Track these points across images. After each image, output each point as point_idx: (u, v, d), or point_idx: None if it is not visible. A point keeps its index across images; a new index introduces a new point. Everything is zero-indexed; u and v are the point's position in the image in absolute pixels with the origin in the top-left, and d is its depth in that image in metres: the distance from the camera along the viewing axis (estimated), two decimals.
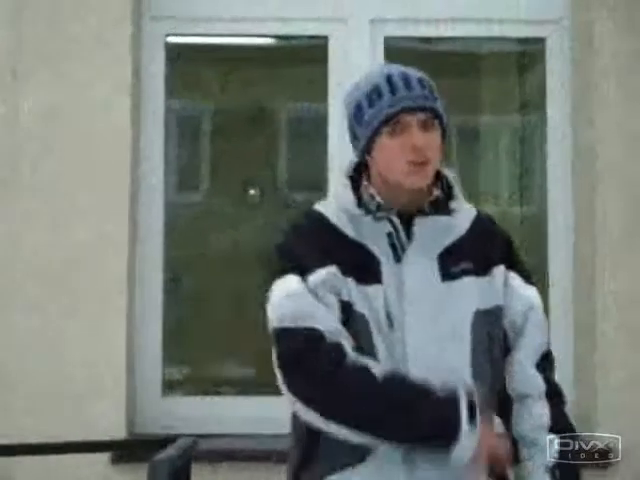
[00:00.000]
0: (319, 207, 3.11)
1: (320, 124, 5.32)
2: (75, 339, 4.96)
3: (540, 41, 5.46)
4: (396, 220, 2.95)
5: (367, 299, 2.93)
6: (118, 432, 4.90)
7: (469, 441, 2.77)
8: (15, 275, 5.02)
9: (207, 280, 5.45)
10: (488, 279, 3.03)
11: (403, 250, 2.96)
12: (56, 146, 4.98)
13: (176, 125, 5.65)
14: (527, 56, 5.69)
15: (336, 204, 3.09)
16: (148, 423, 5.15)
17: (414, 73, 2.98)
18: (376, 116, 2.96)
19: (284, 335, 2.92)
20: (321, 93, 5.34)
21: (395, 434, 2.83)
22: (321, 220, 3.06)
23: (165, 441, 3.95)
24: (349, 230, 2.99)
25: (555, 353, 3.38)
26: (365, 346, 2.89)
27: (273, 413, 4.41)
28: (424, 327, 2.92)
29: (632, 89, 5.06)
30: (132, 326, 5.09)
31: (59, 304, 4.94)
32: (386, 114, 2.92)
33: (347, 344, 2.85)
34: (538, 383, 3.03)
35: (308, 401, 2.88)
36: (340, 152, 5.19)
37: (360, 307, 2.93)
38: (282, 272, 3.00)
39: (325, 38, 5.39)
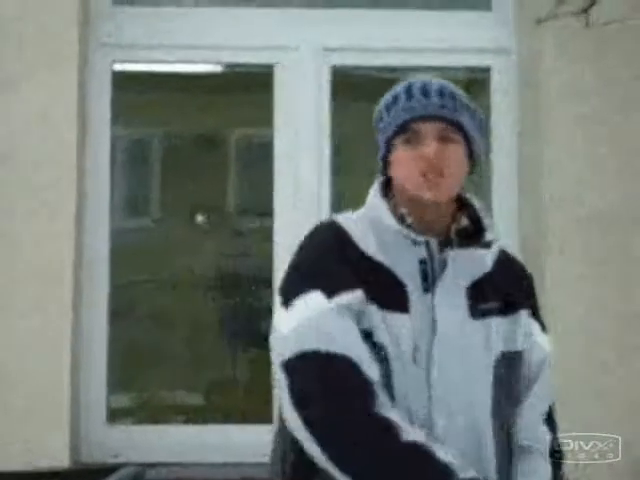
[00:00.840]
0: (339, 219, 2.81)
1: (267, 150, 5.30)
2: (18, 364, 4.91)
3: (485, 70, 5.48)
4: (434, 246, 2.72)
5: (390, 328, 2.69)
6: (61, 461, 4.82)
7: None
8: None
9: (155, 306, 5.41)
10: (513, 321, 2.84)
11: (434, 280, 2.73)
12: (1, 172, 4.93)
13: (124, 152, 5.61)
14: (474, 84, 5.70)
15: (367, 218, 2.81)
16: (93, 451, 5.07)
17: (437, 82, 2.77)
18: (390, 123, 2.79)
19: (307, 361, 2.60)
20: (267, 120, 5.32)
21: None
22: (343, 235, 2.77)
23: (110, 470, 3.93)
24: (373, 249, 2.74)
25: None
26: (381, 380, 2.64)
27: (222, 441, 4.39)
28: (452, 367, 2.71)
29: (576, 115, 5.07)
30: (77, 352, 5.04)
31: (1, 330, 4.88)
32: (400, 121, 2.74)
33: (378, 386, 2.60)
34: (546, 440, 2.90)
35: (325, 445, 2.56)
36: (286, 178, 5.25)
37: (380, 337, 2.68)
38: (302, 289, 2.69)
39: (271, 66, 5.37)
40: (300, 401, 2.54)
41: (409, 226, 2.71)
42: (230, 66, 5.68)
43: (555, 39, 5.16)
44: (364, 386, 2.53)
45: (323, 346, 2.54)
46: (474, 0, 5.61)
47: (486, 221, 2.79)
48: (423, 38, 5.46)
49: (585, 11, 4.96)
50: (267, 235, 5.26)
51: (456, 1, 5.62)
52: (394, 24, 5.49)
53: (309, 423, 2.53)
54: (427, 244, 2.69)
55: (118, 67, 5.39)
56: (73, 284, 4.99)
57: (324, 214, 5.15)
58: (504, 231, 5.32)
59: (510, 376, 2.77)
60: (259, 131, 5.50)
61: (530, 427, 2.84)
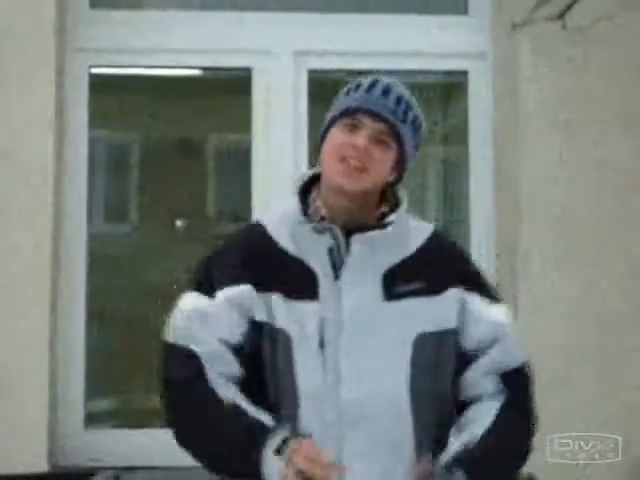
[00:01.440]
0: (263, 219, 3.04)
1: (245, 154, 5.32)
2: (22, 355, 4.88)
3: (463, 74, 5.49)
4: (339, 233, 2.84)
5: (296, 315, 2.83)
6: (40, 465, 4.81)
7: (272, 467, 2.65)
8: None
9: (133, 311, 5.40)
10: (442, 300, 2.90)
11: (341, 265, 2.85)
12: None
13: (102, 156, 5.60)
14: (451, 88, 5.75)
15: (280, 213, 3.02)
16: (71, 455, 5.04)
17: (399, 90, 2.93)
18: (342, 104, 2.91)
19: (168, 351, 2.90)
20: (245, 124, 5.34)
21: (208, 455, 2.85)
22: (258, 234, 2.98)
23: (87, 474, 3.93)
24: (288, 244, 2.90)
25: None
26: (282, 362, 2.81)
27: None
28: (360, 349, 2.82)
29: (552, 120, 5.10)
30: (55, 357, 5.03)
31: None
32: (352, 105, 2.86)
33: (213, 367, 2.80)
34: (485, 386, 2.92)
35: (165, 408, 2.89)
36: (264, 182, 5.25)
37: (282, 323, 2.82)
38: (191, 286, 2.96)
39: (249, 70, 5.37)
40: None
41: (322, 217, 2.87)
42: (208, 70, 5.68)
43: (531, 43, 5.17)
44: (201, 372, 2.80)
45: (179, 341, 2.84)
46: (451, 4, 5.60)
47: (399, 212, 2.88)
48: (401, 41, 5.47)
49: (561, 16, 5.05)
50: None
51: (433, 5, 5.60)
52: (372, 27, 5.50)
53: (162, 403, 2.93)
54: (331, 231, 2.82)
55: (95, 71, 5.34)
56: (50, 290, 4.98)
57: None
58: (481, 228, 5.48)
59: (441, 353, 2.84)
60: (237, 136, 5.53)
61: (480, 382, 2.88)
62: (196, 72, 5.75)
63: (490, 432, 2.81)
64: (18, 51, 5.04)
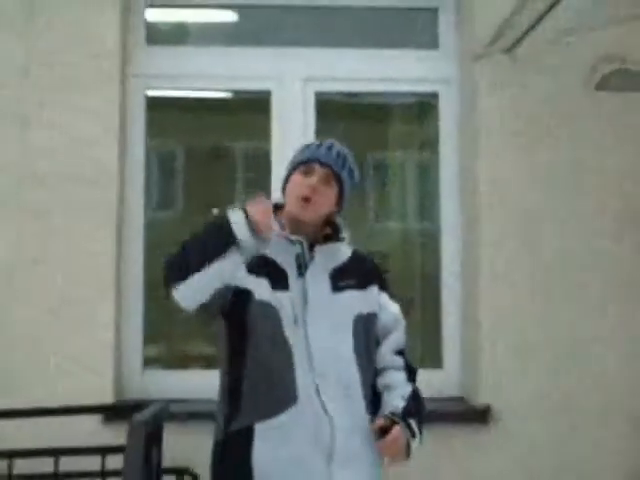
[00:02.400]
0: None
1: (265, 158, 5.42)
2: (75, 327, 4.95)
3: (434, 95, 5.57)
4: (303, 246, 3.39)
5: (277, 300, 3.30)
6: (108, 398, 4.93)
7: (236, 216, 3.11)
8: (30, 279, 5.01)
9: None
10: (366, 293, 3.48)
11: (306, 268, 3.38)
12: (59, 175, 5.02)
13: (154, 160, 5.68)
14: (425, 107, 5.78)
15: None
16: (131, 390, 5.19)
17: (340, 148, 3.50)
18: (301, 156, 3.47)
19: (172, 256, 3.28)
20: (265, 134, 5.43)
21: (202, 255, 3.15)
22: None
23: (144, 405, 4.11)
24: (272, 254, 3.35)
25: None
26: (273, 327, 3.27)
27: None
28: (320, 326, 3.32)
29: (506, 135, 5.16)
30: (119, 313, 5.13)
31: (63, 297, 4.95)
32: (307, 157, 3.43)
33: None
34: (399, 363, 3.51)
35: (174, 279, 3.21)
36: (279, 180, 5.19)
37: (268, 298, 3.29)
38: None
39: (268, 92, 5.47)
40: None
41: (285, 234, 3.40)
42: (236, 92, 5.72)
43: (488, 71, 5.16)
44: None
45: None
46: (425, 41, 5.60)
47: (343, 232, 3.52)
48: (387, 69, 5.52)
49: (511, 49, 5.04)
50: None
51: (412, 41, 5.61)
52: (364, 59, 5.53)
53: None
54: (301, 244, 3.39)
55: (150, 93, 5.44)
56: (116, 260, 5.10)
57: None
58: (449, 220, 5.49)
59: (369, 328, 3.46)
60: (259, 144, 5.53)
61: (387, 357, 3.51)
62: (227, 94, 5.77)
63: (413, 396, 3.42)
64: (90, 78, 5.07)
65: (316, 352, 3.29)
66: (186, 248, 3.23)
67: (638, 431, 5.10)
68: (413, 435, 3.31)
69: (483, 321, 5.14)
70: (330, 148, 3.46)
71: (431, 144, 5.68)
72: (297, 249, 3.40)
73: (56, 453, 4.53)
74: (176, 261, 3.25)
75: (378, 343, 3.52)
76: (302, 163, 3.43)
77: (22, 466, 4.57)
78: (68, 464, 4.56)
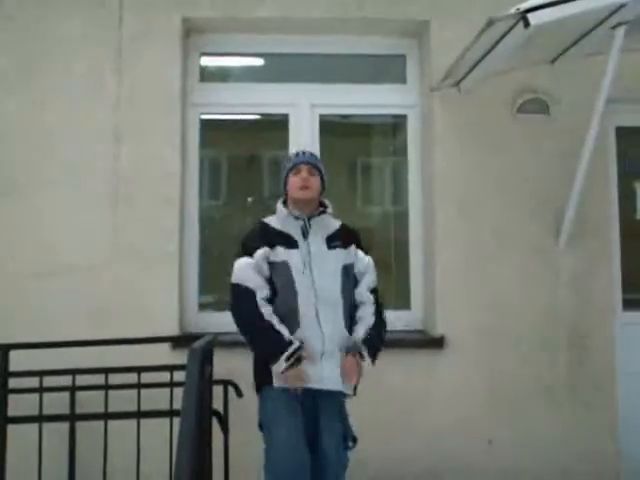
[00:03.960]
0: (265, 219, 3.93)
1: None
2: (153, 281, 5.05)
3: (404, 117, 5.58)
4: (306, 218, 3.87)
5: (291, 256, 3.75)
6: (175, 331, 5.03)
7: (279, 368, 3.59)
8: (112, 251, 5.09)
9: (223, 247, 5.43)
10: (348, 251, 3.91)
11: (308, 234, 3.84)
12: (141, 176, 5.08)
13: (206, 165, 5.66)
14: (398, 125, 5.75)
15: (276, 215, 3.91)
16: (192, 326, 5.26)
17: (310, 151, 4.07)
18: (290, 164, 3.96)
19: (235, 287, 3.73)
20: (284, 145, 5.45)
21: (251, 343, 3.73)
22: (264, 225, 3.88)
23: (199, 336, 4.10)
24: (279, 226, 3.85)
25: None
26: (287, 279, 3.72)
27: None
28: (320, 270, 3.76)
29: (453, 144, 5.20)
30: (182, 272, 5.20)
31: (145, 261, 5.06)
32: (294, 164, 3.94)
33: (262, 292, 3.68)
34: (370, 299, 3.92)
35: (234, 316, 3.75)
36: None
37: (285, 258, 3.74)
38: (241, 254, 3.78)
39: (286, 115, 5.50)
40: (231, 302, 3.76)
41: (292, 213, 3.86)
42: (263, 115, 5.67)
43: (441, 100, 5.21)
44: (253, 298, 3.66)
45: (240, 282, 3.71)
46: (397, 78, 5.59)
47: (328, 208, 3.97)
48: (370, 98, 5.53)
49: (457, 84, 5.10)
50: None
51: (387, 78, 5.61)
52: (354, 90, 5.54)
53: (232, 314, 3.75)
54: (303, 219, 3.86)
55: (203, 117, 5.47)
56: (179, 235, 5.16)
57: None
58: (415, 210, 5.52)
59: (349, 274, 3.88)
60: (280, 152, 5.45)
61: (362, 293, 3.91)
62: (257, 117, 5.71)
63: (375, 327, 3.83)
64: (160, 107, 5.15)
65: (318, 288, 3.71)
66: (248, 323, 3.72)
67: (546, 350, 5.18)
68: (363, 358, 3.73)
69: (438, 276, 5.19)
70: (304, 153, 3.99)
71: (402, 151, 5.66)
72: (300, 222, 3.86)
73: (139, 370, 4.65)
74: (237, 313, 3.76)
75: (357, 283, 3.91)
76: (292, 168, 3.93)
77: (114, 379, 4.68)
78: (147, 378, 4.67)
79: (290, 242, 3.80)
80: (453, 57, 4.76)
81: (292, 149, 5.31)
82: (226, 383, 4.77)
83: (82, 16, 5.19)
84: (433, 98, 5.27)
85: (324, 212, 3.94)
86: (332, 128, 5.67)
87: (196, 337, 4.13)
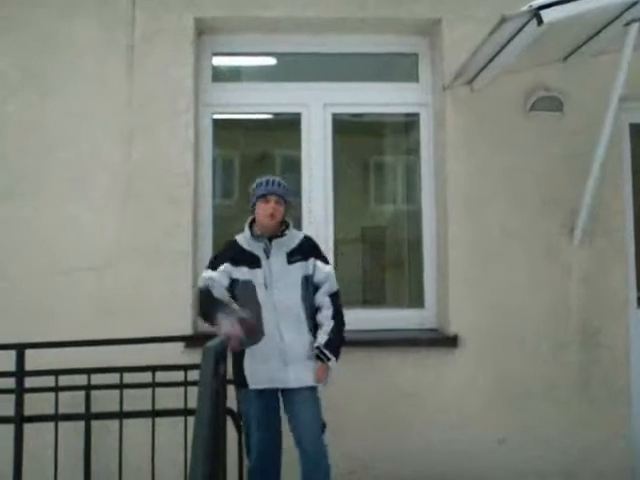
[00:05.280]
0: (236, 236, 4.36)
1: (297, 162, 5.47)
2: (165, 278, 5.05)
3: (416, 115, 5.57)
4: (267, 241, 4.27)
5: (254, 275, 4.22)
6: (188, 331, 5.03)
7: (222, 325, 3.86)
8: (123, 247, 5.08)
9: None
10: (307, 263, 4.29)
11: (270, 254, 4.25)
12: (156, 175, 5.08)
13: (219, 163, 5.69)
14: (410, 123, 5.73)
15: (243, 234, 4.34)
16: (205, 326, 4.74)
17: (277, 179, 4.35)
18: (258, 192, 4.32)
19: (200, 291, 4.25)
20: (297, 144, 5.48)
21: (206, 318, 4.16)
22: (233, 242, 4.36)
23: (213, 336, 4.16)
24: (245, 245, 4.30)
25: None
26: (250, 294, 4.16)
27: None
28: (281, 286, 4.19)
29: (466, 143, 5.18)
30: (196, 270, 5.10)
31: (160, 255, 5.06)
32: (262, 193, 4.31)
33: (216, 289, 4.20)
34: (328, 302, 4.30)
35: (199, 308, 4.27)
36: (308, 177, 5.44)
37: (249, 277, 4.20)
38: (208, 267, 4.36)
39: (299, 114, 5.50)
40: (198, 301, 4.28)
41: (257, 235, 4.27)
42: (276, 115, 5.70)
43: (453, 98, 5.21)
44: (208, 290, 4.22)
45: (203, 285, 4.25)
46: (409, 76, 5.57)
47: (289, 228, 4.34)
48: (382, 97, 5.52)
49: (470, 82, 5.11)
50: (297, 207, 5.33)
51: (400, 77, 5.58)
52: (367, 89, 5.52)
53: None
54: (265, 240, 4.26)
55: (215, 116, 5.47)
56: (193, 232, 5.16)
57: (329, 188, 5.44)
58: (427, 206, 5.48)
59: (309, 285, 4.26)
60: (292, 152, 5.54)
61: (321, 298, 4.30)
62: (269, 116, 5.75)
63: (333, 328, 4.24)
64: (173, 107, 5.14)
65: (277, 302, 4.17)
66: (201, 305, 4.26)
67: (559, 349, 5.16)
68: (329, 359, 4.18)
69: (451, 274, 5.18)
70: (274, 183, 4.32)
71: (414, 150, 5.65)
72: (263, 244, 4.27)
73: (153, 369, 4.67)
74: (199, 304, 4.29)
75: (317, 290, 4.29)
76: (262, 196, 4.29)
77: (129, 378, 4.69)
78: (161, 377, 4.70)
79: (255, 261, 4.25)
80: (465, 55, 4.74)
81: (305, 158, 5.44)
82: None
83: (94, 16, 5.21)
84: (445, 96, 5.26)
85: (284, 233, 4.32)
86: (344, 127, 5.67)
87: (209, 336, 4.09)
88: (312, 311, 4.30)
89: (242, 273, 4.23)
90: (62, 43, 5.21)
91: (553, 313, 5.16)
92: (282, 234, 4.31)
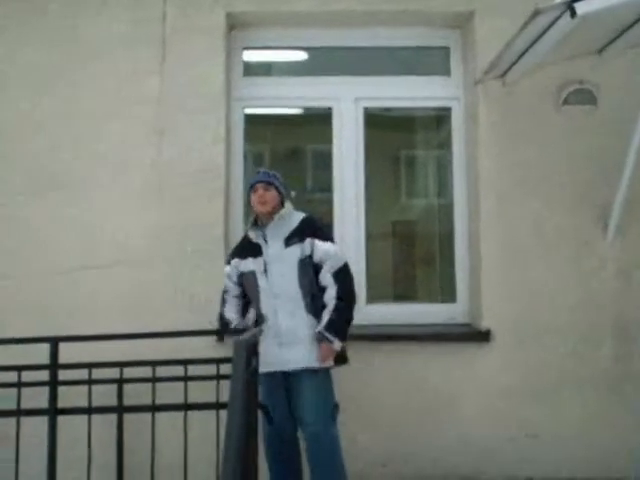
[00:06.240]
0: (248, 231, 4.54)
1: (328, 157, 5.47)
2: (197, 277, 5.05)
3: (448, 109, 5.55)
4: (263, 228, 4.45)
5: (257, 264, 4.42)
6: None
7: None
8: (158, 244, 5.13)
9: None
10: (303, 245, 4.33)
11: (266, 240, 4.42)
12: (187, 169, 5.10)
13: (251, 158, 5.71)
14: (441, 118, 5.74)
15: (251, 228, 4.52)
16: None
17: (263, 170, 4.57)
18: (250, 184, 4.58)
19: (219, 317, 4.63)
20: (328, 138, 5.48)
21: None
22: (244, 236, 4.64)
23: (244, 329, 4.17)
24: (252, 237, 4.50)
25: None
26: (253, 283, 4.41)
27: None
28: (277, 271, 4.35)
29: (498, 137, 5.16)
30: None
31: (185, 256, 5.08)
32: (250, 185, 4.58)
33: (231, 294, 4.59)
34: (331, 281, 4.29)
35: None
36: (340, 171, 5.43)
37: (252, 267, 4.44)
38: (227, 260, 4.71)
39: (330, 108, 5.50)
40: None
41: (257, 223, 4.47)
42: (307, 109, 5.71)
43: (485, 92, 5.18)
44: (225, 297, 4.63)
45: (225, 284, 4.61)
46: (441, 70, 5.55)
47: (281, 212, 4.42)
48: (414, 91, 5.50)
49: (502, 76, 5.08)
50: (328, 202, 5.42)
51: (431, 70, 5.56)
52: (399, 83, 5.51)
53: None
54: (261, 229, 4.44)
55: (247, 111, 5.50)
56: (224, 225, 5.16)
57: (360, 183, 5.44)
58: (459, 198, 5.46)
59: (308, 266, 4.31)
60: (324, 146, 5.53)
61: (324, 277, 4.32)
62: (300, 110, 5.76)
63: (336, 307, 4.24)
64: (204, 101, 5.16)
65: (276, 287, 4.31)
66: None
67: (592, 343, 5.13)
68: (332, 342, 4.19)
69: (483, 269, 5.17)
70: (259, 173, 4.54)
71: (446, 144, 5.64)
72: (261, 231, 4.45)
73: (186, 362, 4.66)
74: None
75: (320, 269, 4.32)
76: (251, 187, 4.52)
77: (161, 372, 4.69)
78: (193, 371, 4.67)
79: (257, 250, 4.42)
80: (497, 49, 4.71)
81: (336, 153, 5.47)
82: None
83: (126, 12, 5.25)
84: (477, 90, 5.25)
85: (273, 217, 4.43)
86: (376, 121, 5.67)
87: (241, 330, 4.20)
88: (314, 292, 4.33)
89: (248, 264, 4.45)
90: (95, 39, 5.25)
91: (586, 308, 5.12)
92: (275, 220, 4.43)
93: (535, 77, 5.12)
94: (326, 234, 4.48)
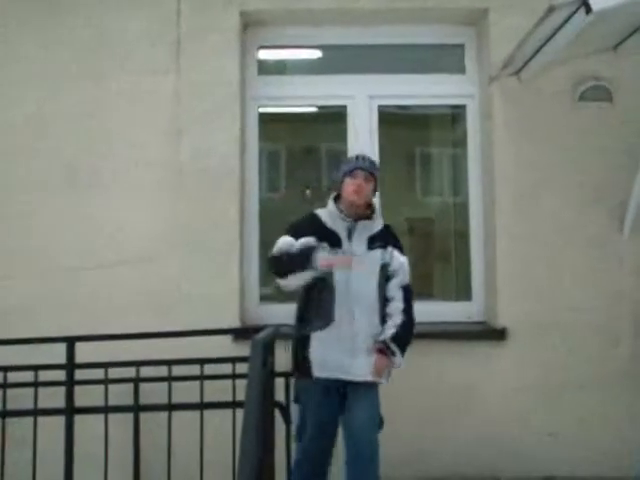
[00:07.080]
0: (316, 211, 4.19)
1: (343, 155, 5.34)
2: (213, 274, 5.06)
3: (463, 107, 5.56)
4: (352, 221, 4.10)
5: (334, 255, 3.97)
6: (236, 323, 5.04)
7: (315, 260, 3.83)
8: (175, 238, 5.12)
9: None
10: (385, 251, 4.11)
11: (352, 235, 4.08)
12: (201, 168, 5.11)
13: (264, 156, 5.68)
14: (456, 115, 5.76)
15: (326, 210, 4.16)
16: (252, 318, 5.27)
17: (368, 156, 4.26)
18: (348, 167, 4.19)
19: (273, 259, 3.99)
20: (343, 137, 5.47)
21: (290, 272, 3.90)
22: (313, 216, 4.17)
23: (260, 328, 4.12)
24: (329, 223, 4.11)
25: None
26: (327, 275, 3.93)
27: None
28: (359, 269, 4.00)
29: (513, 135, 5.15)
30: (242, 263, 5.20)
31: (206, 252, 5.07)
32: (352, 168, 4.17)
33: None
34: (400, 295, 4.10)
35: (277, 274, 3.98)
36: None
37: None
38: (285, 234, 4.04)
39: (345, 106, 5.50)
40: (271, 268, 4.07)
41: (342, 212, 4.09)
42: (321, 107, 5.69)
43: (500, 89, 5.18)
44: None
45: (278, 253, 3.96)
46: (456, 68, 5.55)
47: (375, 213, 4.20)
48: (428, 88, 5.50)
49: (516, 74, 5.08)
50: None
51: (446, 68, 5.55)
52: (413, 81, 5.50)
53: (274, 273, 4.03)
54: (350, 220, 4.09)
55: (261, 110, 5.51)
56: (240, 226, 5.17)
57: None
58: (474, 197, 5.45)
59: (385, 272, 4.09)
60: (338, 144, 5.52)
61: (393, 289, 4.10)
62: (315, 109, 5.75)
63: (404, 323, 4.03)
64: (219, 101, 5.17)
65: (355, 288, 3.97)
66: (283, 260, 3.92)
67: (609, 341, 5.11)
68: (394, 354, 3.98)
69: (499, 267, 5.16)
70: (364, 159, 4.19)
71: (461, 142, 5.64)
72: (347, 224, 4.09)
73: (202, 362, 4.69)
74: (276, 264, 3.98)
75: (390, 279, 4.09)
76: (350, 172, 4.14)
77: (177, 371, 4.73)
78: (209, 370, 4.70)
79: (336, 240, 4.04)
80: (512, 46, 4.71)
81: (351, 151, 5.35)
82: (288, 375, 4.64)
83: (141, 11, 5.26)
84: (492, 88, 5.24)
85: (370, 217, 4.18)
86: (391, 119, 5.66)
87: (258, 329, 4.16)
88: (384, 299, 4.08)
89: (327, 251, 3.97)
90: (111, 38, 5.27)
91: (603, 305, 5.11)
92: (369, 217, 4.17)
93: (550, 74, 5.11)
94: (402, 247, 4.25)
